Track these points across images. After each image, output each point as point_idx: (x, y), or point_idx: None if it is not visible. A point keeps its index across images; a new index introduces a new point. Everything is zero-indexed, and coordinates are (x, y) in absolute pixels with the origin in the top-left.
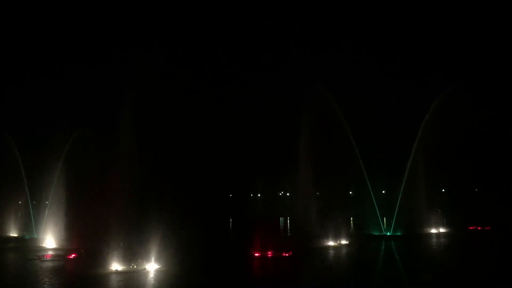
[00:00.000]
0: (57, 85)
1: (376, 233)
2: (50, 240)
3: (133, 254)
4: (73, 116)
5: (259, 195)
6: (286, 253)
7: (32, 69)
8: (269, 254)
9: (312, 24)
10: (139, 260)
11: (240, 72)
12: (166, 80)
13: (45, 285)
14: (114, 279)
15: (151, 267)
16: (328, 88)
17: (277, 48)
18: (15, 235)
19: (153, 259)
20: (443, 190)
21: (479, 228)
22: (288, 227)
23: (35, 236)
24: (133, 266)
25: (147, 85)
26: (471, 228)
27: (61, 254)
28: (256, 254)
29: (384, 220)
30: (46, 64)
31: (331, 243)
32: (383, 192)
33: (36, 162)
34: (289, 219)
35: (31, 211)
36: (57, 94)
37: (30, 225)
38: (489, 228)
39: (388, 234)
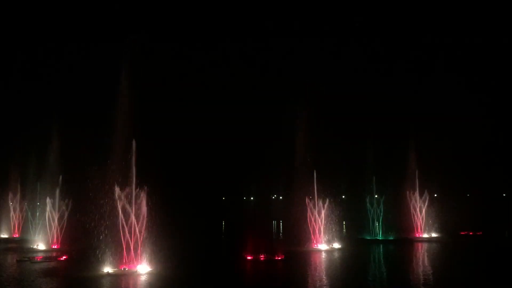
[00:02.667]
0: (48, 82)
1: (368, 237)
2: (41, 242)
3: (125, 256)
4: (65, 115)
5: (252, 198)
6: (278, 257)
7: (23, 66)
8: (262, 257)
9: (311, 24)
10: (131, 262)
11: (238, 72)
12: (162, 80)
13: (35, 287)
14: (105, 281)
15: (143, 269)
16: (326, 90)
17: (275, 49)
18: (6, 236)
19: (145, 261)
20: (435, 195)
21: (470, 233)
22: (281, 230)
23: (27, 237)
24: (124, 269)
25: (142, 85)
26: (462, 233)
27: (52, 256)
28: (249, 258)
29: (376, 224)
30: (36, 61)
31: (323, 246)
32: (376, 196)
33: (28, 163)
34: (282, 222)
35: (23, 212)
36: (48, 92)
37: (21, 226)
38: (481, 233)
39: (380, 238)
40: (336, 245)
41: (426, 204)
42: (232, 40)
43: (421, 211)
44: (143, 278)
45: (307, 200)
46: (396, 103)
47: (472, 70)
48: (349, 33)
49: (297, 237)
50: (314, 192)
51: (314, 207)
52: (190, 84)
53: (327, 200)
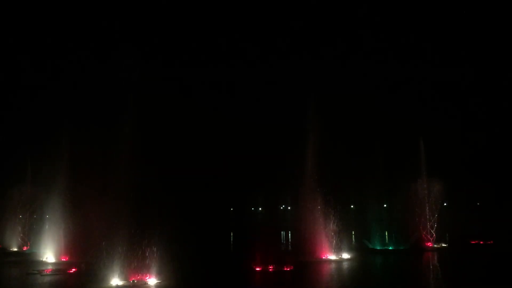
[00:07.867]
0: (52, 88)
1: (379, 247)
2: (50, 254)
3: (133, 268)
4: (71, 124)
5: (260, 208)
6: (287, 267)
7: (28, 71)
8: (271, 268)
9: (309, 28)
10: (139, 274)
11: (241, 80)
12: (165, 90)
13: None
14: None
15: (152, 281)
16: (327, 97)
17: (275, 53)
18: (15, 249)
19: (154, 273)
20: (445, 204)
21: (481, 243)
22: (289, 241)
23: (35, 250)
24: (133, 281)
25: (147, 94)
26: (473, 242)
27: (61, 269)
28: (257, 269)
29: (386, 234)
30: (42, 64)
31: (332, 257)
32: (385, 206)
33: (36, 173)
34: (290, 233)
35: (31, 225)
36: (54, 99)
37: (30, 239)
38: (492, 242)
39: (391, 248)
40: (346, 255)
41: (436, 213)
42: (239, 45)
43: (430, 221)
44: None
45: (315, 210)
46: (404, 111)
47: (481, 72)
48: (352, 36)
49: (305, 247)
50: (323, 202)
51: (323, 217)
52: (197, 96)
53: (336, 210)
